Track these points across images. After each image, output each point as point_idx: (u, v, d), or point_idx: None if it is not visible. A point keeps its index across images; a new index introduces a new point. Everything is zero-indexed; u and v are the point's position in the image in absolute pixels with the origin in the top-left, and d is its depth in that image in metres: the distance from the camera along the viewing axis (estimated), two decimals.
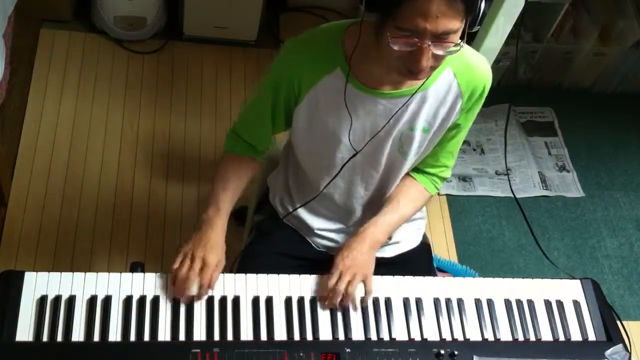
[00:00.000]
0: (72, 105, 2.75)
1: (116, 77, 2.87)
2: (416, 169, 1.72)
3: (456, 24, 1.26)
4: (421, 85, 1.48)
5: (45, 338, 1.37)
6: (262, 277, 1.53)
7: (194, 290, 1.46)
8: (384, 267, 1.80)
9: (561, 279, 1.66)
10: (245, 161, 1.68)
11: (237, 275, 1.52)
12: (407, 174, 1.73)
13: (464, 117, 1.59)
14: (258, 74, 3.02)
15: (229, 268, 1.82)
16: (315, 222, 1.79)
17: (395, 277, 1.59)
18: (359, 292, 1.52)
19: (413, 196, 1.70)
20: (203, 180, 2.67)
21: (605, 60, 3.22)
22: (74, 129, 2.69)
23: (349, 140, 1.55)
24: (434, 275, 1.87)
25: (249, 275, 1.53)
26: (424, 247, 1.90)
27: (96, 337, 1.39)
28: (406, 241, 1.85)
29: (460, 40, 1.30)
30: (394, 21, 1.27)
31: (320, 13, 3.22)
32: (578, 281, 1.65)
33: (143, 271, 1.52)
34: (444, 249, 2.70)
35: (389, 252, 1.83)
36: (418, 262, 1.85)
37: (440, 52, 1.29)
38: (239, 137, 1.67)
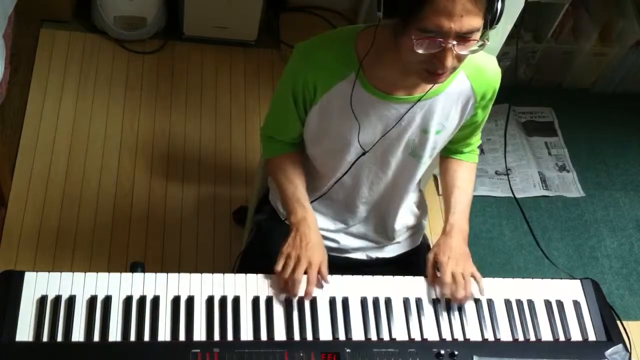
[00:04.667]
0: (72, 105, 2.75)
1: (116, 77, 2.87)
2: (454, 152, 1.75)
3: (479, 22, 1.27)
4: (433, 90, 1.48)
5: (45, 338, 1.37)
6: (262, 277, 1.53)
7: (301, 291, 1.50)
8: (384, 267, 1.80)
9: (561, 279, 1.66)
10: (294, 156, 1.69)
11: (237, 275, 1.52)
12: (447, 157, 1.76)
13: (481, 114, 1.62)
14: (258, 74, 3.02)
15: (231, 268, 1.82)
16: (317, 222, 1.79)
17: (395, 277, 1.59)
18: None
19: (467, 175, 1.74)
20: (203, 180, 2.67)
21: (605, 60, 3.22)
22: (74, 129, 2.69)
23: (359, 142, 1.55)
24: None
25: (249, 275, 1.53)
26: (424, 247, 1.90)
27: (96, 337, 1.39)
28: (406, 241, 1.85)
29: (484, 39, 1.30)
30: (417, 23, 1.26)
31: (320, 13, 3.22)
32: (578, 281, 1.65)
33: (143, 271, 1.52)
34: None
35: (389, 252, 1.83)
36: (418, 262, 1.85)
37: (464, 52, 1.29)
38: (276, 139, 1.68)
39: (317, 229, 1.61)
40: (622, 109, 3.32)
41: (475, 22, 1.26)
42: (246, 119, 2.87)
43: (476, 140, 1.75)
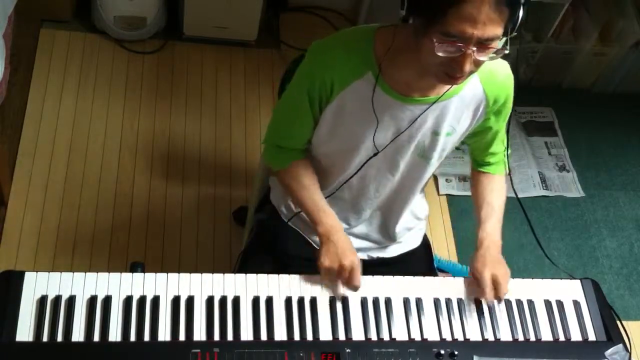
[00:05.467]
0: (72, 105, 2.75)
1: (116, 77, 2.87)
2: (482, 164, 1.74)
3: (500, 30, 1.28)
4: (447, 93, 1.48)
5: (45, 338, 1.37)
6: (262, 277, 1.53)
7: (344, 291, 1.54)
8: (384, 267, 1.80)
9: (561, 279, 1.66)
10: (304, 162, 1.68)
11: (237, 275, 1.52)
12: (478, 172, 1.75)
13: (494, 120, 1.61)
14: (258, 74, 3.02)
15: (232, 269, 1.81)
16: None
17: (395, 277, 1.59)
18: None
19: (496, 187, 1.73)
20: (203, 180, 2.67)
21: (605, 60, 3.22)
22: (74, 129, 2.69)
23: (374, 142, 1.55)
24: (434, 275, 1.87)
25: (249, 275, 1.53)
26: (424, 247, 1.90)
27: (96, 337, 1.39)
28: (406, 241, 1.85)
29: (505, 48, 1.31)
30: (440, 26, 1.26)
31: (320, 13, 3.22)
32: (578, 281, 1.65)
33: (143, 271, 1.52)
34: (444, 249, 2.70)
35: (389, 252, 1.83)
36: (418, 262, 1.85)
37: (483, 58, 1.30)
38: (286, 148, 1.66)
39: (343, 230, 1.62)
40: (622, 109, 3.32)
41: (497, 30, 1.27)
42: (246, 119, 2.87)
43: (500, 149, 1.72)
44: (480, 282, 1.56)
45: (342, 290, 1.53)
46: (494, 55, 1.31)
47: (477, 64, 1.32)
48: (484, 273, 1.56)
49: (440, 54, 1.29)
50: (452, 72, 1.33)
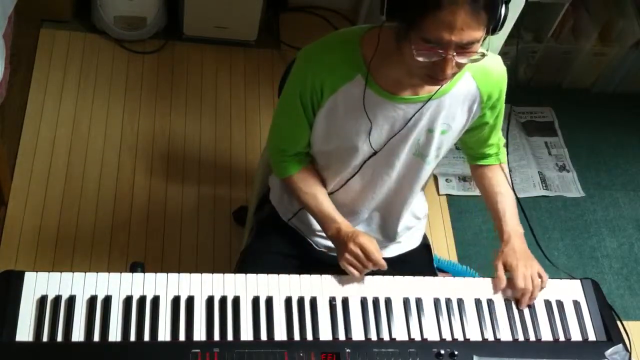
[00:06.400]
0: (72, 105, 2.75)
1: (116, 77, 2.87)
2: (481, 157, 1.75)
3: (479, 34, 1.28)
4: (440, 90, 1.48)
5: (45, 338, 1.37)
6: (262, 277, 1.53)
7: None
8: None
9: (561, 279, 1.66)
10: (308, 170, 1.69)
11: (237, 275, 1.52)
12: (478, 166, 1.76)
13: (490, 114, 1.61)
14: (258, 74, 3.02)
15: (232, 270, 1.81)
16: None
17: (395, 277, 1.59)
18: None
19: (502, 178, 1.74)
20: (203, 180, 2.67)
21: (605, 60, 3.22)
22: (74, 129, 2.69)
23: (369, 144, 1.56)
24: (434, 275, 1.87)
25: (249, 275, 1.53)
26: (424, 247, 1.90)
27: (96, 337, 1.39)
28: (406, 241, 1.85)
29: (484, 50, 1.32)
30: (418, 32, 1.27)
31: (320, 13, 3.22)
32: (578, 281, 1.65)
33: (143, 271, 1.52)
34: (444, 249, 2.70)
35: (390, 252, 1.83)
36: (418, 262, 1.85)
37: (464, 61, 1.31)
38: (287, 154, 1.67)
39: (350, 225, 1.64)
40: (622, 109, 3.32)
41: (475, 34, 1.27)
42: (246, 119, 2.87)
43: (498, 139, 1.73)
44: (515, 281, 1.58)
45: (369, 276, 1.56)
46: (477, 57, 1.31)
47: (460, 66, 1.33)
48: (518, 271, 1.58)
49: (420, 59, 1.30)
50: (435, 75, 1.34)
